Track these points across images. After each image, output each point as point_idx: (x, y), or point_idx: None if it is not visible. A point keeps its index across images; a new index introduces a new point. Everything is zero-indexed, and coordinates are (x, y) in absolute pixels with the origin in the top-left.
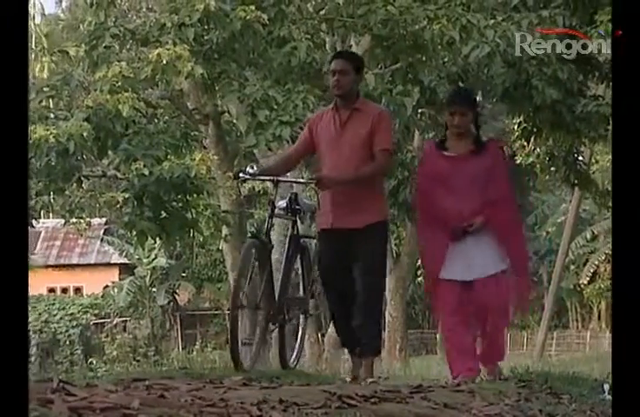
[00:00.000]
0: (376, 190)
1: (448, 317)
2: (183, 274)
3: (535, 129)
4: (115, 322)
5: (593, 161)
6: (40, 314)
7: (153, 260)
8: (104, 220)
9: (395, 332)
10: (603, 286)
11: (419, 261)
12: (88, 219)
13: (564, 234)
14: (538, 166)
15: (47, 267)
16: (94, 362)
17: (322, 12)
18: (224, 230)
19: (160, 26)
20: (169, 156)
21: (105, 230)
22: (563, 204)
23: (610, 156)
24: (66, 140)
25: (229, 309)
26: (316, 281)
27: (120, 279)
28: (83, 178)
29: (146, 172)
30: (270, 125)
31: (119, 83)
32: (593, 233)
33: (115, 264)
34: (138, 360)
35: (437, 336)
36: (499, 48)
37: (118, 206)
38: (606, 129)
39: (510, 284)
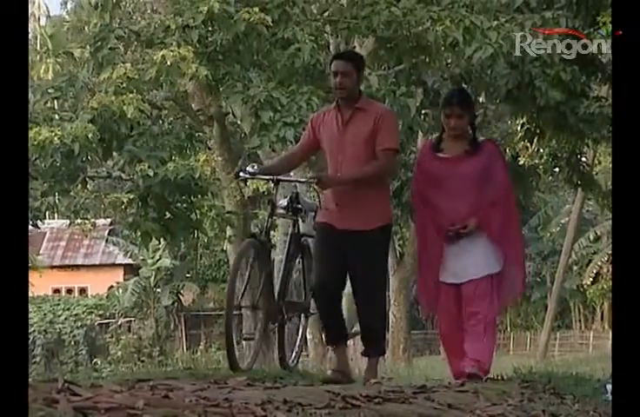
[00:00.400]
0: (381, 191)
1: (443, 319)
2: (188, 275)
3: (538, 131)
4: (119, 323)
5: (596, 162)
6: (45, 314)
7: (158, 260)
8: (109, 221)
9: (398, 332)
10: (606, 286)
11: None
12: (93, 220)
13: (567, 235)
14: (541, 167)
15: (52, 267)
16: (99, 362)
17: (326, 14)
18: (228, 231)
19: (165, 28)
20: (173, 157)
21: (110, 231)
22: (566, 205)
23: None
24: (71, 141)
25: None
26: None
27: (125, 279)
28: (88, 179)
29: (151, 173)
30: (274, 126)
31: (124, 85)
32: (596, 234)
33: (119, 265)
34: (143, 361)
35: None
36: (502, 49)
37: (123, 207)
38: (609, 130)
39: (501, 285)
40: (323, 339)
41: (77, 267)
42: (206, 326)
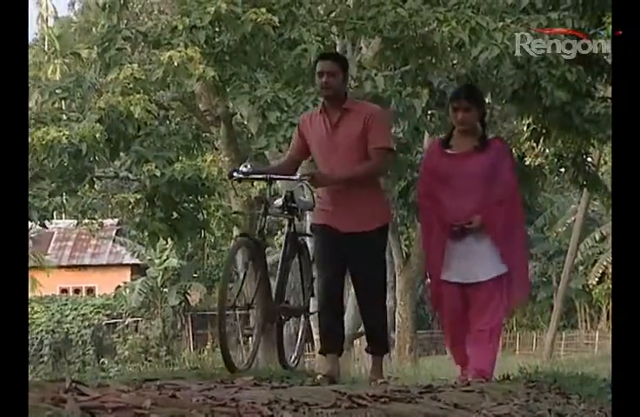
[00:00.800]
0: (376, 191)
1: (447, 319)
2: (195, 275)
3: (544, 131)
4: (127, 323)
5: (602, 162)
6: (53, 314)
7: (165, 260)
8: (116, 221)
9: (404, 332)
10: (611, 286)
11: None
12: (100, 220)
13: (573, 235)
14: (547, 167)
15: (59, 267)
16: (106, 362)
17: (332, 15)
18: (235, 231)
19: (172, 28)
20: (180, 158)
21: (117, 231)
22: (571, 205)
23: None
24: (79, 141)
25: (229, 308)
26: (315, 279)
27: (132, 279)
28: (95, 179)
29: (158, 173)
30: (281, 127)
31: (131, 85)
32: (602, 234)
33: (127, 265)
34: (150, 361)
35: None
36: (508, 50)
37: (130, 207)
38: None
39: (507, 287)
40: (319, 347)
41: (85, 267)
42: (213, 326)
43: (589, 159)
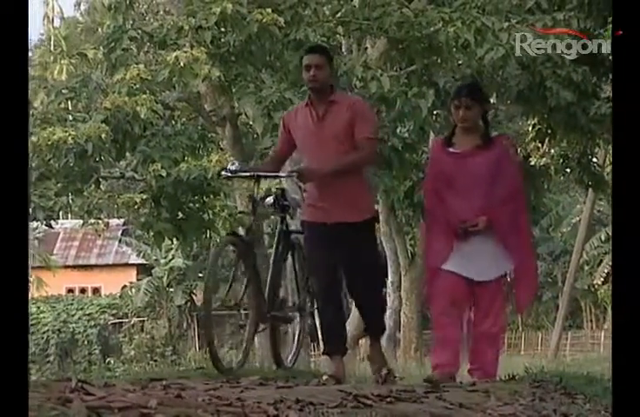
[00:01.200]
0: (362, 183)
1: (440, 306)
2: (200, 275)
3: (549, 131)
4: (132, 322)
5: (607, 162)
6: (59, 314)
7: (170, 260)
8: (122, 221)
9: (410, 332)
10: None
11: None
12: (106, 220)
13: (579, 235)
14: (553, 167)
15: (65, 267)
16: (112, 362)
17: (338, 15)
18: (240, 231)
19: (177, 29)
20: (186, 158)
21: (123, 231)
22: (577, 205)
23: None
24: (84, 141)
25: (240, 309)
26: (310, 277)
27: (138, 279)
28: (101, 179)
29: (164, 173)
30: None
31: (137, 86)
32: (607, 234)
33: (132, 265)
34: (156, 360)
35: None
36: (513, 50)
37: (136, 207)
38: None
39: (514, 288)
40: (321, 348)
41: (91, 267)
42: (218, 325)
43: (594, 159)
